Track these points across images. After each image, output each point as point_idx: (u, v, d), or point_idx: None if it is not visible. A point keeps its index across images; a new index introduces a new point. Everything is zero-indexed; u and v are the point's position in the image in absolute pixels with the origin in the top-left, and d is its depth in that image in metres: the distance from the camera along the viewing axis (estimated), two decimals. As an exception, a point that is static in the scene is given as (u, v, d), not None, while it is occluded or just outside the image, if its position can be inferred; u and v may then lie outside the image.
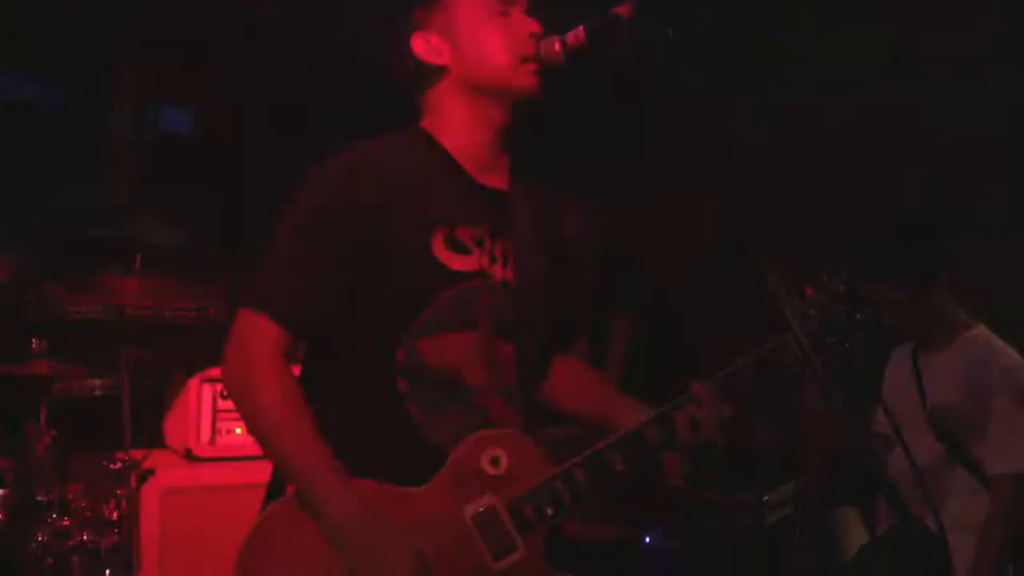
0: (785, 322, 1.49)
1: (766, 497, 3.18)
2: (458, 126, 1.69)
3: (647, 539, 2.90)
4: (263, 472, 1.65)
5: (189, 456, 3.17)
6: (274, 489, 1.61)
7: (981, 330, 2.70)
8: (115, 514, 2.73)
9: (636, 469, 1.62)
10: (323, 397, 1.60)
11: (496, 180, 1.73)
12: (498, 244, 1.68)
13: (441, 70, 1.69)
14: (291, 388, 1.54)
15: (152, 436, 3.44)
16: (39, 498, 2.66)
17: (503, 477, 1.56)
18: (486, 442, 1.58)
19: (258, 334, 1.53)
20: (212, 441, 3.19)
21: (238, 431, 3.22)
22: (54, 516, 2.64)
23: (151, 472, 2.93)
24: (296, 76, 4.16)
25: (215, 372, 3.25)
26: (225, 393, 3.25)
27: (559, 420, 1.86)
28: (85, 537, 2.61)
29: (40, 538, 2.57)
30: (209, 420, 3.20)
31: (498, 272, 1.67)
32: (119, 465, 2.77)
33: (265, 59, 4.10)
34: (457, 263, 1.61)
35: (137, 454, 2.95)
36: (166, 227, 4.05)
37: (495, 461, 1.57)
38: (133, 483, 2.83)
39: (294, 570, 1.49)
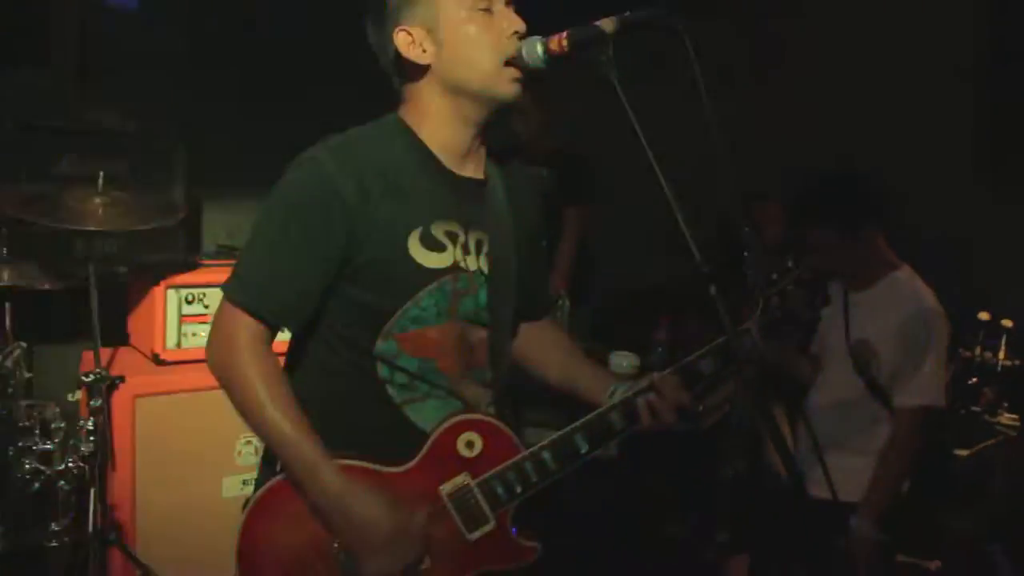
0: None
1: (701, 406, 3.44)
2: (437, 121, 1.74)
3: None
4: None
5: (156, 360, 3.28)
6: (271, 458, 1.74)
7: (905, 271, 2.89)
8: (90, 423, 2.85)
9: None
10: (307, 379, 1.73)
11: (472, 170, 1.80)
12: (473, 235, 1.78)
13: (423, 68, 1.72)
14: (272, 370, 1.65)
15: (115, 333, 3.52)
16: (21, 424, 2.74)
17: (477, 459, 1.73)
18: (461, 427, 1.73)
19: (238, 326, 1.64)
20: (178, 345, 3.30)
21: (204, 335, 3.33)
22: (36, 443, 2.74)
23: (121, 379, 3.05)
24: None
25: (180, 279, 3.32)
26: (191, 298, 3.34)
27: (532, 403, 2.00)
28: (71, 463, 2.72)
29: (27, 465, 2.67)
30: (175, 325, 3.29)
31: (472, 263, 1.77)
32: (91, 378, 2.87)
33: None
34: (433, 261, 1.70)
35: (104, 352, 3.05)
36: (118, 113, 3.96)
37: (470, 444, 1.74)
38: (104, 390, 2.94)
39: (290, 543, 1.67)
